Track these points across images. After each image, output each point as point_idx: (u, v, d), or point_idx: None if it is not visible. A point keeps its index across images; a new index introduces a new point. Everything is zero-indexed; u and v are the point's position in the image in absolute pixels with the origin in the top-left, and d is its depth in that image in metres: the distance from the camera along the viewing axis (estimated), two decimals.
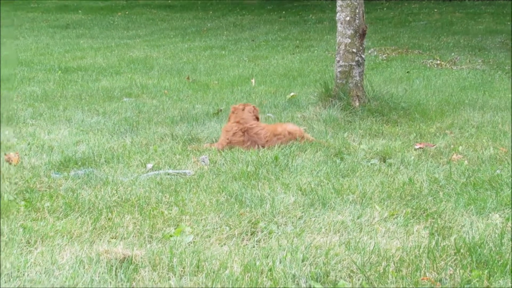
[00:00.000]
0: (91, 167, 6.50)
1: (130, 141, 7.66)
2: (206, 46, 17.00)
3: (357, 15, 9.20)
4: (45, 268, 4.15)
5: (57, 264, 4.21)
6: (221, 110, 9.26)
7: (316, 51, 16.12)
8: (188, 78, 12.51)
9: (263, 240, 4.78)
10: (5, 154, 6.81)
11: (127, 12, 23.17)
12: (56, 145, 7.48)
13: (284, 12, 22.86)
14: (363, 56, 9.29)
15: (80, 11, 23.39)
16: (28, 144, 7.53)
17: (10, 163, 6.61)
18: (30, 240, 4.63)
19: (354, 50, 9.18)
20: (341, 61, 9.22)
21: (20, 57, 15.18)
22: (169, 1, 25.48)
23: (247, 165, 6.68)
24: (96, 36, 19.06)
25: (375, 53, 15.56)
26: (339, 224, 5.06)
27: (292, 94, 10.13)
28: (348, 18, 9.20)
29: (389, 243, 4.65)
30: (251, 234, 4.88)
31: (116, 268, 4.12)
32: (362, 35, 9.24)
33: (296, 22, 21.09)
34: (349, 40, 9.18)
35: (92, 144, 7.45)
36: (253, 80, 11.83)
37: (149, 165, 6.65)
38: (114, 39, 18.40)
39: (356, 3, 9.19)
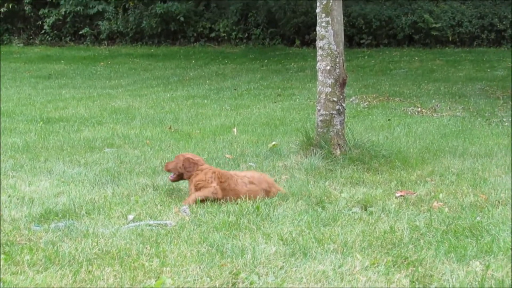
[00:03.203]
0: (72, 219, 6.49)
1: (111, 192, 7.65)
2: (188, 95, 17.07)
3: (337, 64, 9.28)
4: None
5: None
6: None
7: (298, 99, 16.21)
8: (170, 127, 12.54)
9: None
10: None
11: (109, 62, 23.27)
12: (37, 197, 7.45)
13: (266, 60, 23.03)
14: (343, 104, 9.35)
15: (62, 61, 23.48)
16: (9, 196, 7.49)
17: None
18: None
19: (335, 99, 9.24)
20: (322, 110, 9.27)
21: (2, 107, 15.15)
22: (152, 50, 25.62)
23: (228, 215, 6.68)
24: (78, 86, 19.10)
25: (357, 101, 15.68)
26: (320, 273, 5.06)
27: (273, 143, 10.17)
28: (328, 68, 9.27)
29: None
30: (232, 285, 4.87)
31: None
32: (343, 84, 9.31)
33: (278, 70, 21.26)
34: (330, 89, 9.25)
35: (73, 195, 7.44)
36: (235, 129, 11.87)
37: (130, 217, 6.63)
38: (96, 89, 18.45)
39: (336, 53, 9.27)
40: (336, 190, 7.76)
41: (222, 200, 7.32)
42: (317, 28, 9.42)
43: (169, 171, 7.74)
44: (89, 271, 5.05)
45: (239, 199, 7.31)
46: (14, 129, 12.48)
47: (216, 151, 10.11)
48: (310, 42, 25.52)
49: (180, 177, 7.66)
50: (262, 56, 23.96)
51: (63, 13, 26.34)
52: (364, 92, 17.15)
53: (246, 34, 26.12)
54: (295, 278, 5.00)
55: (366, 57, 23.56)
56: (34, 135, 11.80)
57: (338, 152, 9.10)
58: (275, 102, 15.97)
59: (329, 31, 9.31)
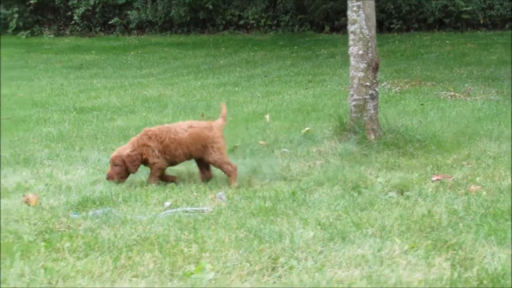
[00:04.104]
0: (109, 207, 6.52)
1: (146, 179, 7.68)
2: (219, 83, 17.06)
3: (370, 49, 9.23)
4: None
5: None
6: (236, 146, 9.28)
7: (329, 86, 16.15)
8: (202, 115, 12.54)
9: (284, 275, 4.78)
10: (23, 196, 6.85)
11: (139, 51, 23.31)
12: (74, 185, 7.51)
13: (296, 47, 22.96)
14: (376, 89, 9.30)
15: (93, 51, 23.56)
16: (46, 185, 7.56)
17: (28, 204, 6.63)
18: (52, 281, 4.65)
19: (368, 84, 9.20)
20: (355, 95, 9.24)
21: (35, 98, 15.25)
22: (181, 38, 25.63)
23: (264, 200, 6.68)
24: (109, 75, 19.16)
25: (388, 86, 15.58)
26: (359, 258, 5.05)
27: (307, 129, 10.15)
28: (360, 52, 9.23)
29: (411, 276, 4.64)
30: (272, 270, 4.88)
31: None
32: (375, 69, 9.26)
33: (308, 57, 21.18)
34: (363, 74, 9.21)
35: (109, 183, 7.48)
36: (267, 116, 11.84)
37: (167, 203, 6.66)
38: (127, 78, 18.48)
39: (368, 37, 9.22)
40: (372, 175, 7.73)
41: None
42: (348, 12, 9.37)
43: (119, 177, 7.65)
44: (129, 257, 5.08)
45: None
46: (48, 119, 12.57)
47: (249, 137, 10.10)
48: (339, 28, 25.40)
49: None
50: (292, 42, 23.89)
51: (92, 3, 26.43)
52: (395, 77, 17.06)
53: (275, 21, 26.06)
54: (335, 262, 5.00)
55: (396, 42, 23.42)
56: (68, 125, 11.88)
57: (373, 137, 9.06)
58: (306, 89, 15.92)
59: (360, 15, 9.26)
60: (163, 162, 7.63)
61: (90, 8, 26.53)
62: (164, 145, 7.61)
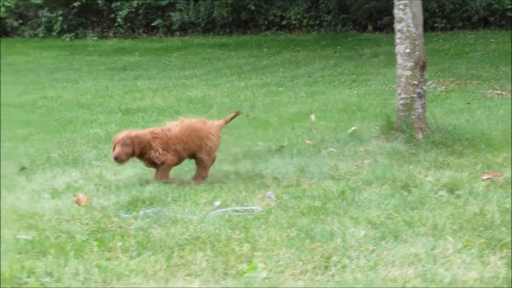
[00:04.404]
0: (159, 206, 6.55)
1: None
2: (262, 83, 17.06)
3: (417, 47, 9.18)
4: None
5: None
6: (283, 146, 9.27)
7: (373, 85, 16.07)
8: (247, 115, 12.56)
9: (337, 274, 4.77)
10: (74, 196, 6.91)
11: (182, 53, 23.36)
12: (123, 185, 7.55)
13: (338, 47, 22.87)
14: (424, 88, 9.24)
15: (136, 53, 23.67)
16: (95, 185, 7.63)
17: (79, 204, 6.69)
18: (106, 279, 4.68)
19: (415, 82, 9.14)
20: (402, 94, 9.18)
21: (81, 100, 15.38)
22: (224, 39, 25.65)
23: (313, 200, 6.67)
24: (153, 77, 19.25)
25: (434, 85, 15.45)
26: (412, 256, 5.02)
27: (353, 128, 10.11)
28: (407, 50, 9.17)
29: (465, 274, 4.61)
30: (325, 269, 4.87)
31: None
32: (423, 67, 9.20)
33: (351, 56, 21.09)
34: (410, 73, 9.15)
35: (158, 183, 7.51)
36: (312, 116, 11.82)
37: (217, 203, 6.67)
38: (171, 79, 18.56)
39: (415, 35, 9.17)
40: (421, 174, 7.67)
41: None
42: (395, 11, 9.32)
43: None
44: (181, 256, 5.10)
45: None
46: (95, 120, 12.68)
47: (295, 137, 10.09)
48: (382, 27, 25.26)
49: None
50: (334, 42, 23.80)
51: (135, 5, 26.56)
52: (440, 76, 16.92)
53: (317, 21, 25.97)
54: (388, 261, 4.97)
55: (440, 40, 23.24)
56: (114, 126, 11.96)
57: (421, 136, 9.00)
58: (350, 88, 15.87)
59: (407, 14, 9.20)
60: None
61: (133, 10, 26.66)
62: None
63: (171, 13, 26.55)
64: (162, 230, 5.73)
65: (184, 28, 26.70)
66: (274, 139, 10.14)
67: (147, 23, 26.95)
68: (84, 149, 9.85)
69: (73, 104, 14.93)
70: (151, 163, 7.66)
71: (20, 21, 27.65)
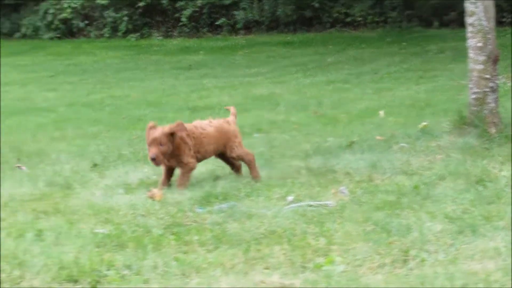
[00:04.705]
0: (233, 201, 6.57)
1: (267, 175, 7.72)
2: (328, 81, 17.01)
3: (489, 41, 9.05)
4: None
5: None
6: (353, 142, 9.23)
7: (440, 81, 15.91)
8: (315, 112, 12.55)
9: (416, 267, 4.73)
10: (148, 191, 6.97)
11: (247, 51, 23.43)
12: (195, 181, 7.59)
13: (404, 43, 22.68)
14: (496, 82, 9.12)
15: (201, 51, 23.80)
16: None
17: (153, 199, 6.75)
18: (185, 272, 4.71)
19: (488, 76, 9.01)
20: (474, 88, 9.06)
21: (148, 98, 15.52)
22: (288, 37, 25.63)
23: (387, 194, 6.62)
24: (218, 75, 19.33)
25: (503, 79, 15.22)
26: (492, 250, 4.96)
27: (424, 123, 10.00)
28: (479, 44, 9.05)
29: None
30: (403, 262, 4.84)
31: None
32: (495, 61, 9.07)
33: (417, 53, 20.90)
34: (482, 66, 9.03)
35: (230, 179, 7.54)
36: (381, 112, 11.75)
37: (290, 198, 6.67)
38: (236, 77, 18.61)
39: (487, 29, 9.04)
40: (495, 169, 7.56)
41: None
42: (466, 4, 9.20)
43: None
44: (258, 250, 5.11)
45: None
46: (164, 118, 12.73)
47: (365, 133, 10.05)
48: (448, 23, 24.97)
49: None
50: (400, 39, 23.61)
51: (199, 4, 26.71)
52: (510, 71, 16.67)
53: (382, 18, 25.80)
54: (467, 255, 4.92)
55: (507, 35, 22.90)
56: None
57: (494, 131, 8.87)
58: (417, 85, 15.74)
59: (478, 7, 9.08)
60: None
61: (197, 9, 26.82)
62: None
63: (235, 12, 26.63)
64: (237, 225, 5.75)
65: (248, 27, 26.75)
66: (343, 135, 10.10)
67: (211, 22, 27.07)
68: None
69: (140, 102, 15.08)
70: (178, 162, 7.34)
71: (86, 22, 28.02)
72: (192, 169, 7.39)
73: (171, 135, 7.20)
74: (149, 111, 13.83)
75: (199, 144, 7.44)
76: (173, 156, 7.27)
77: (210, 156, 7.68)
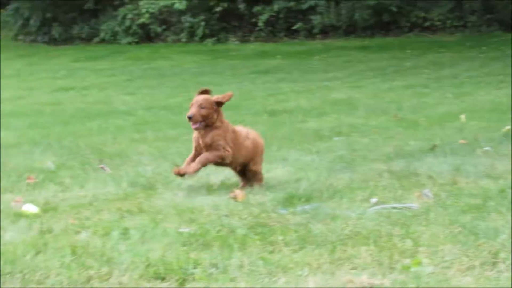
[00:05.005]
0: (316, 203, 6.54)
1: (349, 177, 7.67)
2: (407, 85, 16.90)
3: None
4: None
5: None
6: (436, 145, 9.13)
7: None
8: (395, 116, 12.46)
9: (506, 270, 4.65)
10: (231, 192, 7.00)
11: (324, 55, 23.43)
12: (276, 183, 7.60)
13: (484, 47, 22.41)
14: None
15: (278, 56, 23.87)
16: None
17: (236, 200, 6.77)
18: (271, 271, 4.71)
19: None
20: None
21: (227, 102, 15.56)
22: (365, 42, 25.55)
23: (472, 198, 6.53)
24: (295, 79, 19.35)
25: None
26: None
27: (507, 127, 9.84)
28: None
29: None
30: (493, 265, 4.75)
31: None
32: None
33: (497, 57, 20.62)
34: None
35: (312, 180, 7.52)
36: (463, 116, 11.59)
37: (373, 200, 6.62)
38: (314, 81, 18.61)
39: None
40: None
41: None
42: None
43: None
44: (344, 250, 5.08)
45: None
46: (241, 121, 12.74)
47: (447, 137, 9.94)
48: None
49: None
50: (479, 43, 23.33)
51: (276, 9, 26.79)
52: None
53: (462, 22, 25.52)
54: None
55: None
56: (262, 126, 12.06)
57: None
58: (498, 89, 15.52)
59: None
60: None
61: (274, 14, 26.90)
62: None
63: (312, 17, 26.62)
64: (322, 226, 5.72)
65: (325, 31, 26.73)
66: (424, 138, 10.01)
67: (288, 26, 27.13)
68: None
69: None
70: (212, 142, 7.17)
71: (164, 26, 28.33)
72: (223, 156, 7.17)
73: (217, 104, 7.20)
74: (227, 114, 13.82)
75: (237, 150, 7.32)
76: (210, 134, 7.17)
77: (235, 165, 7.47)
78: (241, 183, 7.58)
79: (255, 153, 7.54)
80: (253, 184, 7.46)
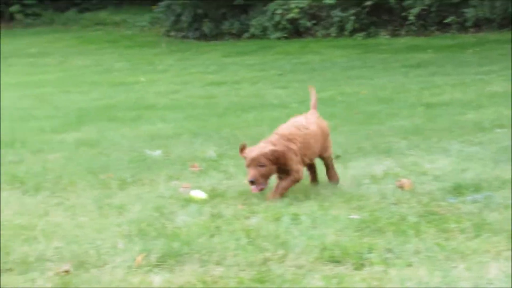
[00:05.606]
0: (487, 192, 6.44)
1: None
2: None
3: None
4: (474, 282, 4.16)
5: (485, 279, 4.20)
6: None
7: None
8: None
9: None
10: (397, 181, 6.99)
11: (477, 49, 22.91)
12: (440, 173, 7.51)
13: None
14: None
15: (429, 50, 23.49)
16: (410, 171, 7.65)
17: (402, 189, 6.75)
18: (449, 258, 4.68)
19: None
20: None
21: (379, 95, 15.50)
22: None
23: None
24: (448, 73, 18.99)
25: None
26: None
27: None
28: None
29: None
30: None
31: None
32: None
33: None
34: None
35: (478, 171, 7.40)
36: None
37: None
38: (467, 75, 18.21)
39: None
40: None
41: None
42: None
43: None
44: None
45: None
46: (397, 114, 12.72)
47: None
48: None
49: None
50: None
51: (427, 3, 26.39)
52: None
53: None
54: None
55: None
56: (418, 119, 11.96)
57: None
58: None
59: None
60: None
61: (425, 7, 26.51)
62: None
63: (465, 10, 26.10)
64: (496, 214, 5.64)
65: (479, 24, 26.13)
66: None
67: (439, 20, 26.66)
68: (393, 140, 9.90)
69: (371, 99, 15.07)
70: (286, 172, 6.60)
71: (313, 21, 28.38)
72: (300, 178, 6.65)
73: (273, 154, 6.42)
74: (381, 107, 13.81)
75: (306, 146, 6.68)
76: (280, 170, 6.56)
77: (315, 157, 6.91)
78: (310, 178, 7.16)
79: (324, 138, 7.00)
80: (331, 181, 7.10)
